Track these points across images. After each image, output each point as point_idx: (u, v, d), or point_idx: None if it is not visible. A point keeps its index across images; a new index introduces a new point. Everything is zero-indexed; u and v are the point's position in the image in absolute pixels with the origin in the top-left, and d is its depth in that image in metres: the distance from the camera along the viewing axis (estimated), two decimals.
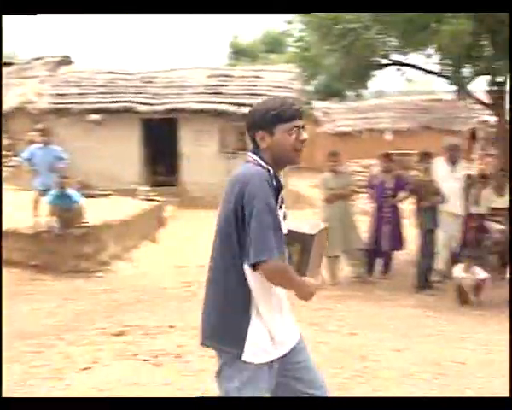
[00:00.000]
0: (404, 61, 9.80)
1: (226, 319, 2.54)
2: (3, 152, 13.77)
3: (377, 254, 8.40)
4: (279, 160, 2.62)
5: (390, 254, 8.47)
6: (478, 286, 7.08)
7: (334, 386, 3.69)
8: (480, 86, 10.60)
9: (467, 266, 7.13)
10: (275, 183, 2.57)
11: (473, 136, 17.97)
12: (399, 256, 8.69)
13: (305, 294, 2.62)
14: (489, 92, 9.73)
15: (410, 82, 11.04)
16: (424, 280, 7.76)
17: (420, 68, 9.94)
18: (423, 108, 21.50)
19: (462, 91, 9.97)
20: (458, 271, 7.20)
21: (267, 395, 2.63)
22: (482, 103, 10.50)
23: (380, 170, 8.65)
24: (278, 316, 2.62)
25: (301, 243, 2.75)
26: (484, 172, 9.09)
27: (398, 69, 10.06)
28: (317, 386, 2.72)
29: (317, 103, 22.33)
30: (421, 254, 7.82)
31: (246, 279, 2.52)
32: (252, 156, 2.64)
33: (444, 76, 9.65)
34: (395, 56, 9.71)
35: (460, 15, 7.54)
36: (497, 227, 8.06)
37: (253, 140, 2.65)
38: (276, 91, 14.85)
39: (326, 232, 2.91)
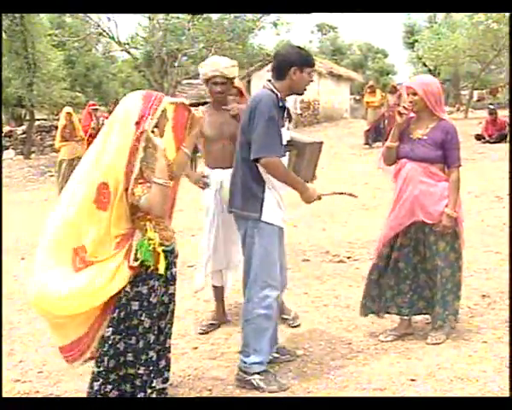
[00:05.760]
0: None
1: (249, 193, 3.41)
2: None
3: None
4: (296, 90, 3.47)
5: None
6: None
7: None
8: None
9: None
10: (281, 104, 3.38)
11: None
12: None
13: (306, 195, 3.43)
14: None
15: None
16: None
17: None
18: None
19: None
20: None
21: (278, 252, 3.49)
22: None
23: None
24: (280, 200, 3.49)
25: (298, 149, 3.48)
26: None
27: None
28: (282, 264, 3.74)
29: None
30: None
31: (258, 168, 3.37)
32: (267, 84, 3.43)
33: None
34: None
35: None
36: None
37: (281, 72, 3.39)
38: None
39: (321, 146, 3.63)
